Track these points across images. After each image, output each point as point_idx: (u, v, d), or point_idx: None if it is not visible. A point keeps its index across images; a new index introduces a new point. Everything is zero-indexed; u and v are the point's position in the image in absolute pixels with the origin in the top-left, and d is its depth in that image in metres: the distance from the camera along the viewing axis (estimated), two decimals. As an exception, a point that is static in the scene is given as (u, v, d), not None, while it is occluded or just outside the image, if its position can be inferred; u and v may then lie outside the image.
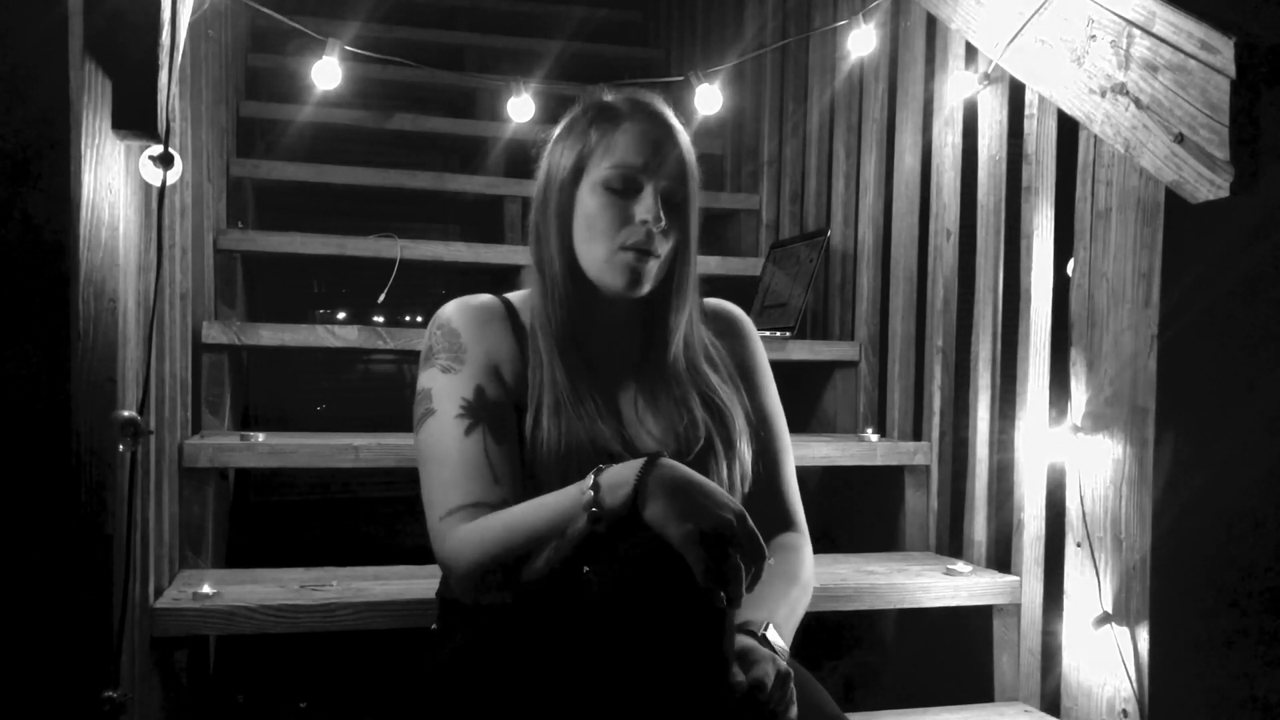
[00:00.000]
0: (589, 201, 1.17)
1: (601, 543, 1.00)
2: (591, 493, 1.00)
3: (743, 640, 1.02)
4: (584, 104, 1.21)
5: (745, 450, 1.23)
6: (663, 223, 1.15)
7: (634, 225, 1.15)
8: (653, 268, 1.17)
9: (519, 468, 1.15)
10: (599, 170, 1.16)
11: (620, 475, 1.00)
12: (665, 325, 1.22)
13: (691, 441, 1.19)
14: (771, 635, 1.07)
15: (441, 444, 1.13)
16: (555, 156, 1.20)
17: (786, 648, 1.09)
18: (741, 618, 1.08)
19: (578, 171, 1.18)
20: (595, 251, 1.17)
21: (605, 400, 1.19)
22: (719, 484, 1.12)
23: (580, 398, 1.16)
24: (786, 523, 1.27)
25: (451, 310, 1.22)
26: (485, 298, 1.24)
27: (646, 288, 1.17)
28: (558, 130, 1.22)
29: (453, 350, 1.18)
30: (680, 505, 0.95)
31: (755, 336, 1.34)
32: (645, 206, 1.15)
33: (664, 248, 1.17)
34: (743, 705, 0.95)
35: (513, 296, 1.26)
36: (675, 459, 1.02)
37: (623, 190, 1.16)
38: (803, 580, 1.20)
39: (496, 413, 1.15)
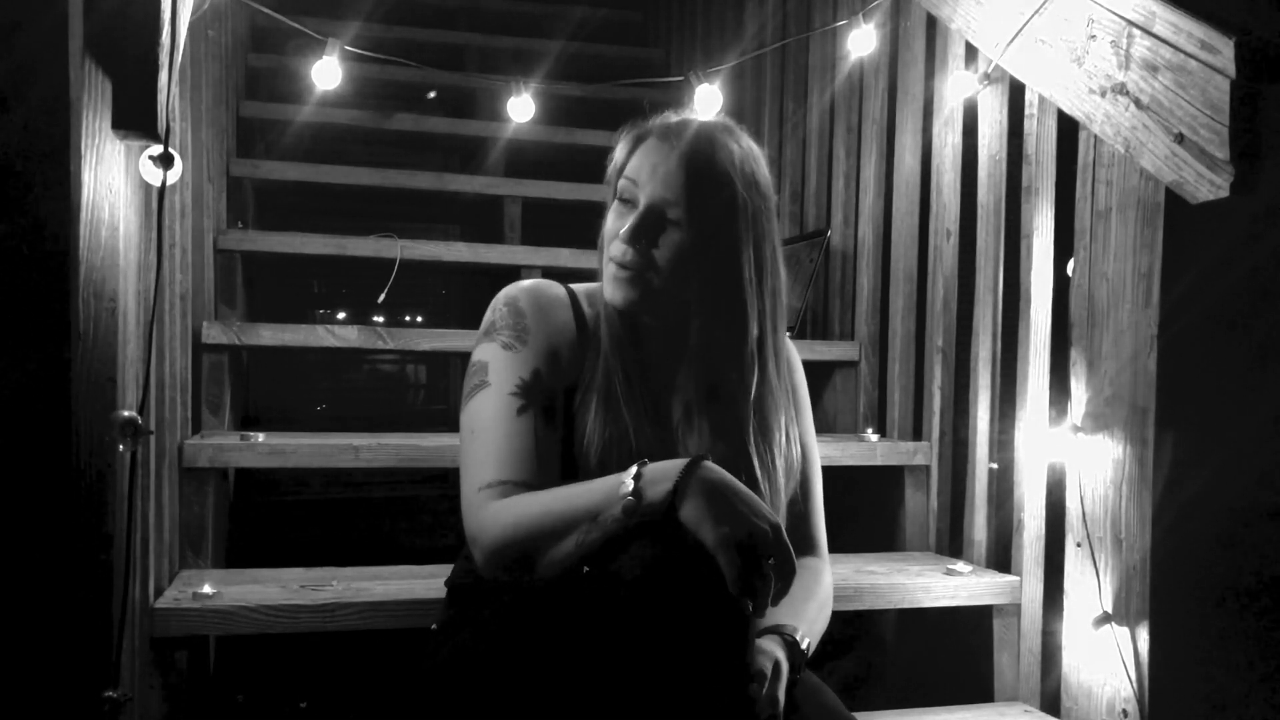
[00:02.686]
0: (608, 211, 1.19)
1: (620, 543, 1.00)
2: (632, 483, 1.00)
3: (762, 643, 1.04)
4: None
5: (783, 485, 1.21)
6: (635, 239, 1.13)
7: (617, 238, 1.15)
8: (632, 281, 1.14)
9: (559, 456, 1.15)
10: (618, 181, 1.18)
11: (663, 471, 1.00)
12: (694, 343, 1.18)
13: (734, 469, 1.15)
14: (803, 641, 1.09)
15: (491, 418, 1.13)
16: (609, 170, 1.23)
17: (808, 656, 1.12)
18: (777, 619, 1.10)
19: (611, 184, 1.20)
20: (602, 259, 1.19)
21: (654, 403, 1.19)
22: None
23: (631, 396, 1.16)
24: (809, 547, 1.29)
25: (520, 291, 1.22)
26: (553, 284, 1.24)
27: (624, 301, 1.15)
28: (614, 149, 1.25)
29: (517, 329, 1.18)
30: (718, 509, 0.96)
31: (799, 366, 1.36)
32: (628, 216, 1.14)
33: (644, 264, 1.14)
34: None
35: (578, 288, 1.26)
36: None
37: (625, 202, 1.16)
38: (820, 598, 1.22)
39: (549, 399, 1.16)
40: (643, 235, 1.13)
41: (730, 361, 1.17)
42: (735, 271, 1.15)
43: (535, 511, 1.06)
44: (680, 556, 0.95)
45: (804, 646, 1.09)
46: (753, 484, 1.18)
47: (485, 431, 1.13)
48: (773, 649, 1.05)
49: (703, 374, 1.18)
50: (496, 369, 1.16)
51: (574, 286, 1.26)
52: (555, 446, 1.15)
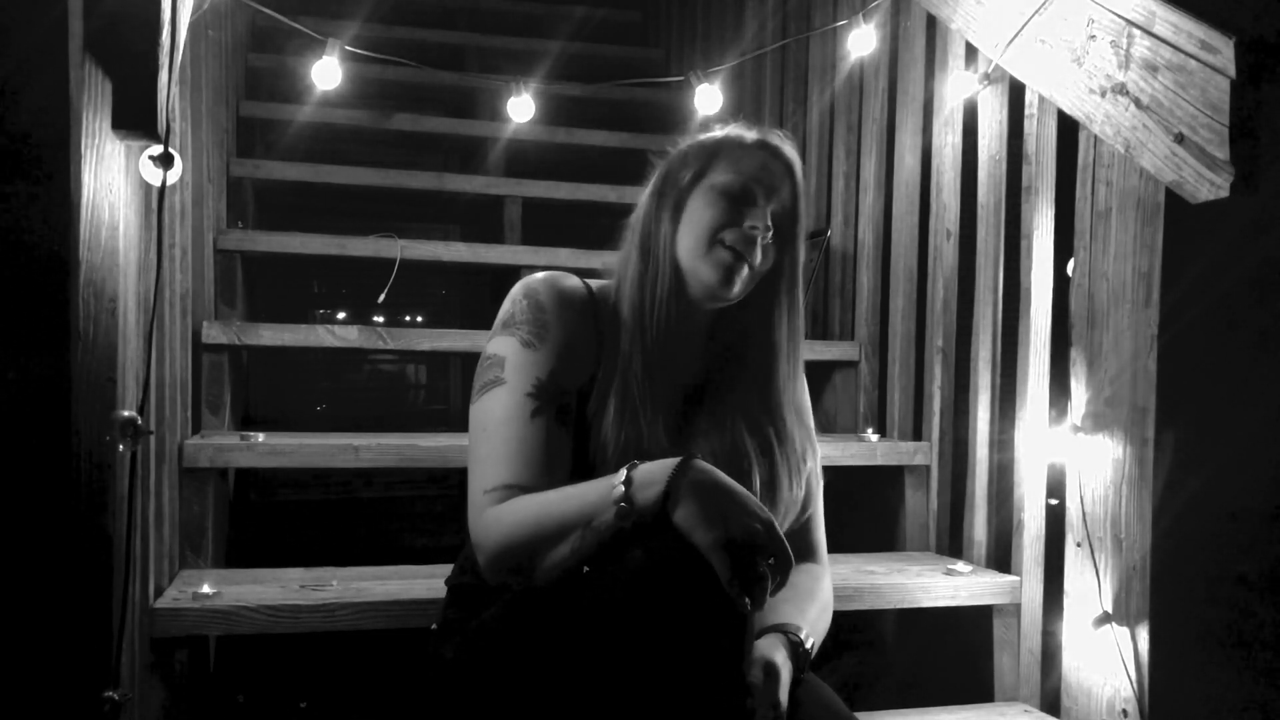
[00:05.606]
0: (700, 200, 1.18)
1: (623, 541, 1.00)
2: (622, 488, 1.00)
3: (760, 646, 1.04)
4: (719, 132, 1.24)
5: (792, 497, 1.22)
6: (770, 235, 1.16)
7: (740, 229, 1.15)
8: (745, 275, 1.16)
9: (570, 458, 1.14)
10: (719, 176, 1.18)
11: (652, 474, 1.00)
12: (767, 344, 1.22)
13: (740, 474, 1.17)
14: (806, 640, 1.09)
15: (504, 418, 1.12)
16: (677, 162, 1.22)
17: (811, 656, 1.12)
18: (780, 618, 1.10)
19: (698, 175, 1.19)
20: (696, 245, 1.16)
21: (669, 408, 1.19)
22: None
23: (648, 398, 1.16)
24: (809, 555, 1.29)
25: (543, 284, 1.20)
26: (574, 280, 1.23)
27: (735, 291, 1.17)
28: (685, 144, 1.24)
29: (537, 325, 1.16)
30: (709, 510, 0.96)
31: (803, 377, 1.34)
32: (757, 215, 1.16)
33: (762, 264, 1.17)
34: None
35: (595, 284, 1.25)
36: None
37: (737, 196, 1.16)
38: (821, 601, 1.22)
39: (564, 400, 1.15)
40: (770, 232, 1.17)
41: (778, 378, 1.23)
42: (796, 294, 1.23)
43: (530, 518, 1.05)
44: (675, 558, 0.95)
45: (808, 646, 1.09)
46: (774, 483, 1.19)
47: (497, 431, 1.12)
48: (772, 651, 1.04)
49: (763, 387, 1.22)
50: (513, 366, 1.14)
51: (591, 283, 1.25)
52: (566, 449, 1.14)
